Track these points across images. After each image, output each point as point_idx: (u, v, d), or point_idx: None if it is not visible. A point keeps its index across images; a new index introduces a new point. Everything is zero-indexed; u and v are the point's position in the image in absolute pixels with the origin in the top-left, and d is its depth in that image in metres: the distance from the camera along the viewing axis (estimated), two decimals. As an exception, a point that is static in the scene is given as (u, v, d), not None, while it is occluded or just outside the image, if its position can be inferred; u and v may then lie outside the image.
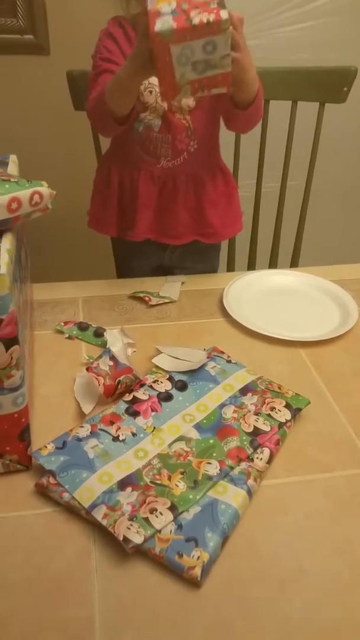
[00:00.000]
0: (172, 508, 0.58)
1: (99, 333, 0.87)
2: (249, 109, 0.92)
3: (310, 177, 1.33)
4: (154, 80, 0.92)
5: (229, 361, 0.81)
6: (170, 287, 1.03)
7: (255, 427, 0.69)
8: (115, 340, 0.84)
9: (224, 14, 0.71)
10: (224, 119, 1.02)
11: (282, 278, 1.08)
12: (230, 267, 1.42)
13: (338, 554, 0.56)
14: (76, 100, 1.15)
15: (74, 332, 0.88)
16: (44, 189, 0.62)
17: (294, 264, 1.41)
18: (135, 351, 0.85)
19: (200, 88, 0.75)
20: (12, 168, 0.74)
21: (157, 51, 0.72)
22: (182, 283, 1.05)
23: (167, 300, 0.99)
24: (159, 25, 0.70)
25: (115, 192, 1.06)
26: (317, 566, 0.55)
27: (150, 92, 0.95)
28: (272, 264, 1.44)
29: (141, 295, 0.99)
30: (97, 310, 0.96)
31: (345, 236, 2.02)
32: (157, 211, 1.06)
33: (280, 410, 0.72)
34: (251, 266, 1.43)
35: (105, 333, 0.86)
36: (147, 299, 0.98)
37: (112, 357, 0.75)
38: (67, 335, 0.87)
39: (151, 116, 0.97)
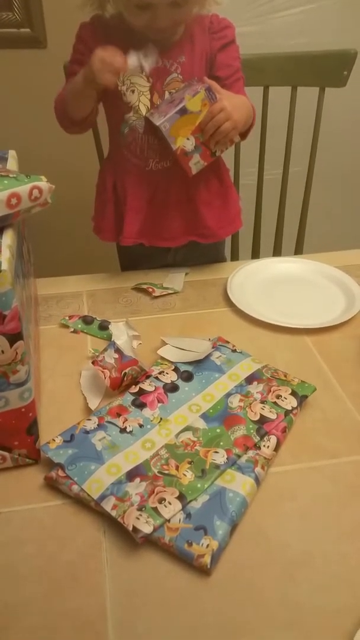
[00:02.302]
0: (181, 497, 0.58)
1: (103, 326, 0.87)
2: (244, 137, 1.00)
3: (313, 162, 1.32)
4: (136, 79, 0.93)
5: (234, 350, 0.81)
6: (174, 278, 1.03)
7: (261, 415, 0.69)
8: (120, 333, 0.84)
9: (235, 138, 0.92)
10: None
11: (287, 266, 1.08)
12: (235, 257, 1.42)
13: (345, 539, 0.56)
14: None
15: (79, 325, 0.88)
16: (43, 183, 0.62)
17: (298, 251, 1.40)
18: (140, 343, 0.85)
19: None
20: (12, 163, 0.74)
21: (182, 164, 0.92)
22: (186, 274, 1.05)
23: (170, 292, 0.99)
24: (194, 168, 0.91)
25: (110, 197, 1.05)
26: (325, 551, 0.55)
27: (133, 91, 0.93)
28: (277, 251, 1.43)
29: (145, 286, 0.99)
30: (102, 304, 0.96)
31: (349, 221, 2.01)
32: (149, 215, 1.03)
33: (286, 398, 0.72)
34: (255, 255, 1.43)
35: (110, 326, 0.86)
36: (150, 290, 0.98)
37: (118, 350, 0.76)
38: (72, 329, 0.88)
39: (135, 116, 0.96)
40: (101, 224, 1.08)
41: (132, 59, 0.87)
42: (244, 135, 0.99)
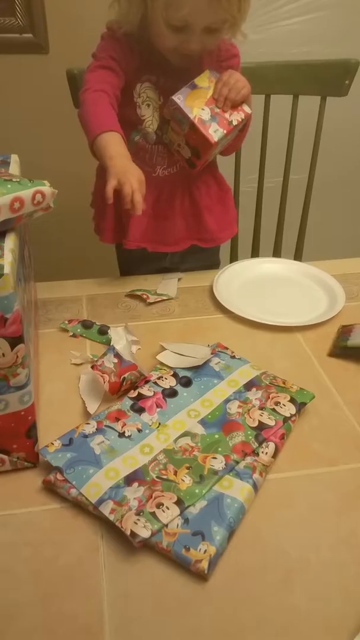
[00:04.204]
0: (179, 502, 0.58)
1: (103, 331, 0.88)
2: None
3: (313, 170, 1.33)
4: (152, 94, 0.95)
5: (233, 357, 0.81)
6: (167, 284, 1.03)
7: (260, 422, 0.69)
8: (119, 337, 0.84)
9: (247, 109, 0.95)
10: None
11: (268, 266, 1.10)
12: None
13: (342, 547, 0.56)
14: (76, 98, 1.15)
15: (78, 330, 0.88)
16: (46, 188, 0.63)
17: (297, 258, 1.41)
18: (139, 348, 0.85)
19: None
20: (14, 168, 0.75)
21: (205, 149, 0.93)
22: (179, 280, 1.05)
23: (164, 298, 0.99)
24: (215, 135, 0.91)
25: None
26: (322, 558, 0.55)
27: (148, 105, 0.95)
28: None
29: (139, 293, 0.99)
30: (101, 308, 0.96)
31: (350, 229, 2.02)
32: (153, 219, 1.05)
33: (284, 405, 0.72)
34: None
35: (109, 331, 0.86)
36: (144, 297, 0.98)
37: (117, 355, 0.76)
38: (71, 334, 0.88)
39: (149, 129, 0.97)
40: (102, 226, 1.09)
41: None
42: (238, 142, 1.03)
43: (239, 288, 1.02)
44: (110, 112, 0.89)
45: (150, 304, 0.97)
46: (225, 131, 0.92)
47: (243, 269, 1.08)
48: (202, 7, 0.81)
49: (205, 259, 1.16)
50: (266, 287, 1.04)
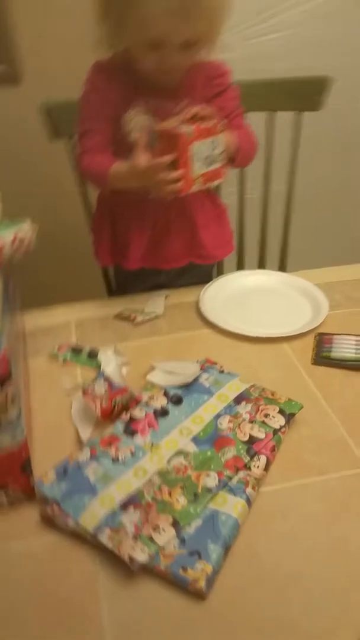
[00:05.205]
0: (174, 523, 0.60)
1: (92, 354, 0.89)
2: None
3: (293, 182, 1.35)
4: (142, 118, 0.96)
5: (221, 371, 0.83)
6: (154, 302, 1.05)
7: (250, 436, 0.71)
8: (108, 360, 0.86)
9: (218, 123, 0.90)
10: None
11: (253, 279, 1.12)
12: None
13: (336, 556, 0.58)
14: (52, 130, 1.16)
15: (68, 356, 0.90)
16: (25, 229, 0.64)
17: (282, 269, 1.42)
18: (129, 369, 0.87)
19: (206, 181, 0.92)
20: (-7, 204, 0.76)
21: (181, 150, 0.87)
22: (166, 297, 1.07)
23: (152, 316, 1.00)
24: (184, 128, 0.87)
25: (109, 225, 1.09)
26: (316, 569, 0.57)
27: (139, 130, 0.96)
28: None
29: (126, 314, 1.01)
30: (90, 332, 0.98)
31: (333, 238, 2.03)
32: (151, 241, 1.08)
33: (274, 417, 0.73)
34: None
35: (98, 354, 0.88)
36: (132, 317, 1.00)
37: (107, 379, 0.77)
38: (62, 360, 0.89)
39: None
40: (101, 251, 1.13)
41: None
42: (244, 162, 1.06)
43: (225, 302, 1.03)
44: (107, 155, 0.97)
45: (138, 324, 0.99)
46: (194, 127, 0.87)
47: (228, 282, 1.10)
48: (172, 25, 0.82)
49: (201, 275, 1.18)
50: (251, 299, 1.06)
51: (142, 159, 0.87)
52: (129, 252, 1.08)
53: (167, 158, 0.86)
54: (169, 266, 1.13)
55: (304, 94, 1.24)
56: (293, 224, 1.41)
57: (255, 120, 1.27)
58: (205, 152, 0.89)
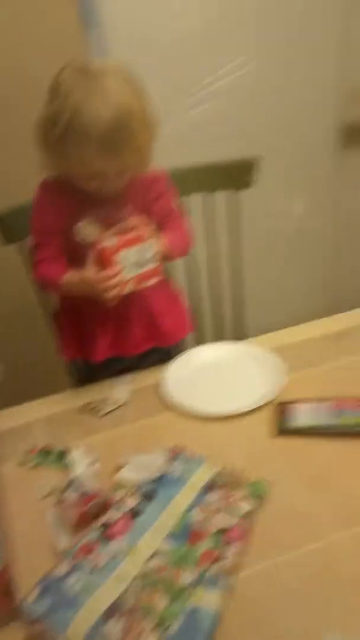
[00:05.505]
0: (158, 625, 0.61)
1: (62, 455, 0.90)
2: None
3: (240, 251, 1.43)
4: (90, 230, 1.03)
5: (190, 458, 0.86)
6: (119, 390, 1.08)
7: (221, 525, 0.73)
8: (79, 459, 0.88)
9: (147, 231, 0.99)
10: None
11: (208, 354, 1.17)
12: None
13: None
14: (6, 236, 1.21)
15: (38, 460, 0.91)
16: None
17: (238, 334, 1.48)
18: (99, 465, 0.88)
19: (140, 281, 1.00)
20: None
21: (105, 261, 0.96)
22: (129, 383, 1.11)
23: (117, 406, 1.04)
24: (106, 242, 0.96)
25: (71, 322, 1.16)
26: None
27: (89, 241, 1.02)
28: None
29: (92, 406, 1.04)
30: (56, 429, 0.99)
31: (288, 298, 2.12)
32: (114, 331, 1.14)
33: (242, 501, 0.77)
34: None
35: (67, 456, 0.89)
36: (97, 410, 1.03)
37: (78, 486, 0.79)
38: (32, 465, 0.90)
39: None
40: (67, 347, 1.19)
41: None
42: (180, 256, 1.16)
43: (186, 382, 1.07)
44: (60, 264, 1.06)
45: (104, 416, 1.02)
46: (116, 240, 0.96)
47: (186, 361, 1.14)
48: (105, 162, 0.93)
49: (165, 354, 1.23)
50: (211, 375, 1.10)
51: (92, 271, 0.96)
52: (95, 345, 1.13)
53: (106, 273, 0.95)
54: (134, 352, 1.18)
55: (236, 175, 1.33)
56: (246, 286, 1.48)
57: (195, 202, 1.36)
58: (132, 258, 0.98)
